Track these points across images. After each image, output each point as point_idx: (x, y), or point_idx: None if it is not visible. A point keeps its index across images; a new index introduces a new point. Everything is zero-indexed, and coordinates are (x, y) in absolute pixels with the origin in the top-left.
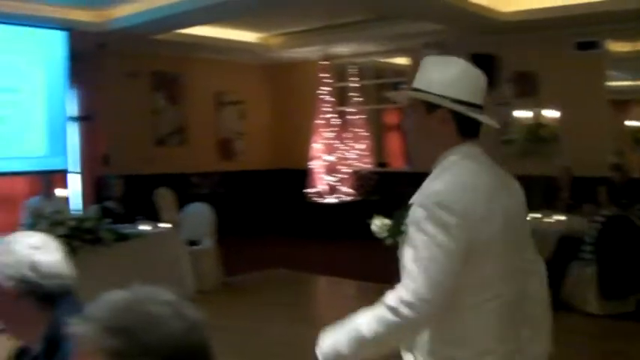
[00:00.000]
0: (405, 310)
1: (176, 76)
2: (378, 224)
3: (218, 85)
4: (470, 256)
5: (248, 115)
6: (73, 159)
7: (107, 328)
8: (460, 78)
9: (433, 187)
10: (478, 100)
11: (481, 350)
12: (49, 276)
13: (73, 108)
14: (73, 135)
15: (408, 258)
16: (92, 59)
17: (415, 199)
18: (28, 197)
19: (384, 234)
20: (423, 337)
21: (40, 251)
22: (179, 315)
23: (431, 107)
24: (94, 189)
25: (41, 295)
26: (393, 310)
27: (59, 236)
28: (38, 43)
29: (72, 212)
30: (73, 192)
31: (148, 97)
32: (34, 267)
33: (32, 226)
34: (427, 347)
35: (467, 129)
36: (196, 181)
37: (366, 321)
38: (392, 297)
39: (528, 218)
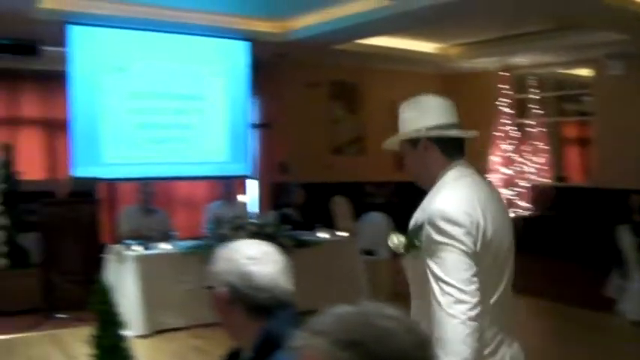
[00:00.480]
0: (456, 321)
1: (355, 85)
2: (396, 242)
3: (396, 95)
4: (476, 260)
5: None
6: (251, 165)
7: (338, 342)
8: (425, 109)
9: (436, 205)
10: (450, 120)
11: (482, 343)
12: (261, 288)
13: (253, 116)
14: (252, 142)
15: (438, 273)
16: (273, 69)
17: (420, 217)
18: (208, 201)
19: (402, 250)
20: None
21: (255, 263)
22: (409, 330)
23: (413, 143)
24: (271, 195)
25: (252, 306)
26: (451, 327)
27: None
28: (221, 53)
29: (250, 217)
30: (250, 198)
31: (327, 107)
32: (247, 278)
33: (214, 230)
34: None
35: (449, 148)
36: (371, 190)
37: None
38: (440, 324)
39: None
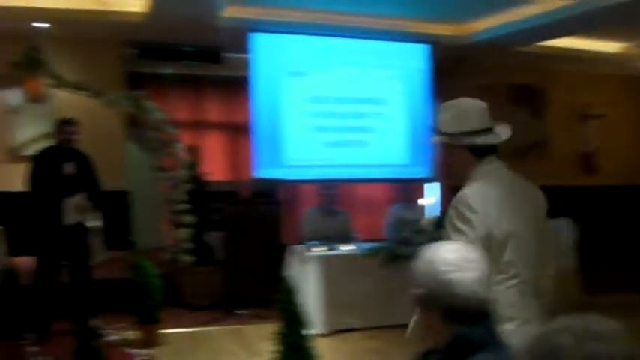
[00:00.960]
0: None
1: (535, 88)
2: (426, 223)
3: (579, 98)
4: (491, 245)
5: (609, 129)
6: (432, 168)
7: (524, 351)
8: (459, 113)
9: (461, 194)
10: (482, 125)
11: (503, 318)
12: (456, 296)
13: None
14: (432, 145)
15: None
16: (453, 71)
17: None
18: (386, 203)
19: (431, 229)
20: None
21: (454, 270)
22: (580, 347)
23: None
24: (452, 199)
25: (447, 310)
26: None
27: (419, 243)
28: (400, 56)
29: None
30: (431, 201)
31: (505, 110)
32: (443, 284)
33: (394, 233)
34: None
35: (479, 150)
36: (550, 196)
37: None
38: None
39: None
